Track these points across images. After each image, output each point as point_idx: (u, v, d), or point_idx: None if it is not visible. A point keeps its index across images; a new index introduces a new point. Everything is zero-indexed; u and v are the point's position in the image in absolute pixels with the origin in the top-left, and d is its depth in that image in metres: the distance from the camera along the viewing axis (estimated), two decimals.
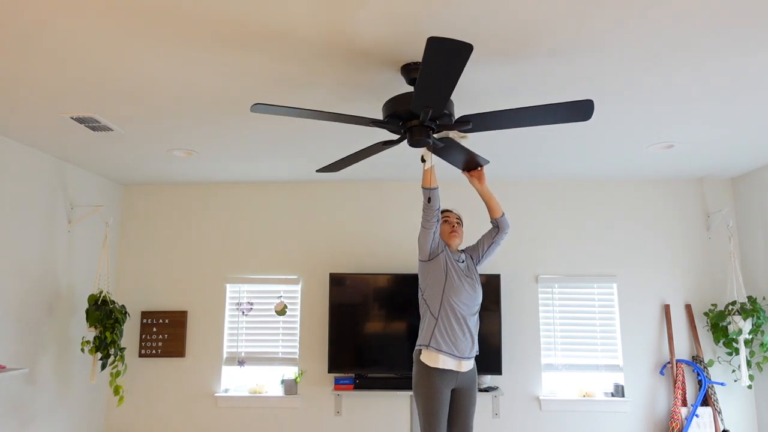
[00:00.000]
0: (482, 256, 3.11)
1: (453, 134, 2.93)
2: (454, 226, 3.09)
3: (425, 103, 2.13)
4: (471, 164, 2.93)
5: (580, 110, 2.26)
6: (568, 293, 4.57)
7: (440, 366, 2.86)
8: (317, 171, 2.93)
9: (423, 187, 2.86)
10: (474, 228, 4.58)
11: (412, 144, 2.39)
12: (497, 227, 3.10)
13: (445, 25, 2.09)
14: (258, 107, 2.04)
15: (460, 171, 3.02)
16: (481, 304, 4.27)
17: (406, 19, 2.05)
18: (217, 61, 2.41)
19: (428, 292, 2.96)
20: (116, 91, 2.74)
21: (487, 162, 2.94)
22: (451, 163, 2.87)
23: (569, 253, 4.60)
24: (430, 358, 2.88)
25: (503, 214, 3.07)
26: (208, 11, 2.00)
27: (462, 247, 3.22)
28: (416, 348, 2.97)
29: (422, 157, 2.89)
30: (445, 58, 1.82)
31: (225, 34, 2.17)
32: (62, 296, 4.02)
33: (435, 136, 2.51)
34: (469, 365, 2.95)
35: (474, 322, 2.97)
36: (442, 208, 3.24)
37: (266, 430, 4.48)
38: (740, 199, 4.48)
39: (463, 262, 3.05)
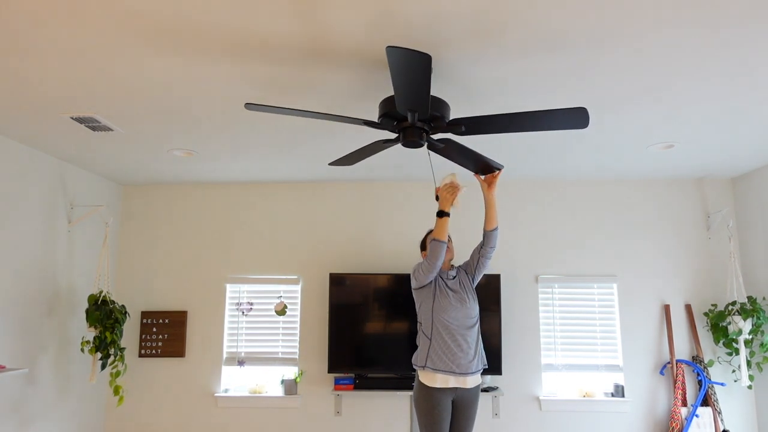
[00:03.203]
0: (475, 272, 3.11)
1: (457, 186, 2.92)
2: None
3: (407, 106, 2.14)
4: (485, 168, 2.90)
5: (575, 118, 2.26)
6: (568, 293, 4.56)
7: (440, 385, 2.85)
8: (330, 164, 2.92)
9: (434, 239, 2.84)
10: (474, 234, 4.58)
11: (406, 144, 2.40)
12: (483, 240, 3.07)
13: (444, 23, 2.08)
14: (250, 106, 2.05)
15: (472, 173, 2.99)
16: (481, 305, 4.27)
17: (401, 19, 2.05)
18: (216, 64, 2.41)
19: (420, 314, 3.00)
20: (116, 91, 2.74)
21: (502, 167, 2.91)
22: (463, 165, 2.85)
23: (569, 253, 4.59)
24: (429, 378, 2.88)
25: (496, 228, 3.03)
26: (206, 20, 1.99)
27: (459, 263, 3.22)
28: (414, 366, 2.98)
29: (436, 195, 2.87)
30: (407, 67, 1.83)
31: (222, 41, 2.17)
32: (62, 296, 4.02)
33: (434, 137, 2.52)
34: (475, 380, 2.92)
35: (473, 336, 2.94)
36: (428, 228, 3.26)
37: (266, 430, 4.48)
38: (740, 199, 4.48)
39: (454, 278, 3.03)
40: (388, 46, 1.71)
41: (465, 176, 4.45)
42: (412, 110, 2.17)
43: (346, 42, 2.23)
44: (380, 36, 2.17)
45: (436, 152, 2.62)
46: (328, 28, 2.11)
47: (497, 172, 2.94)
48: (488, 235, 3.03)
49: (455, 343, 2.87)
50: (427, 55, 1.76)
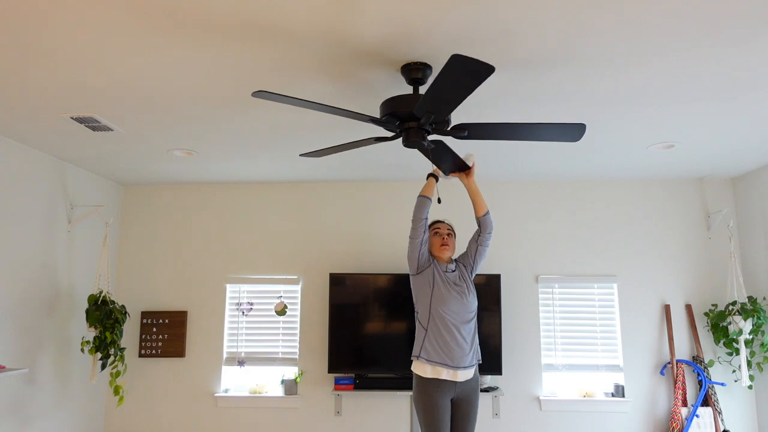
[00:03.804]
0: (474, 262, 3.08)
1: (467, 158, 2.99)
2: (444, 238, 3.06)
3: (430, 110, 2.17)
4: (462, 166, 2.94)
5: (572, 132, 2.41)
6: (568, 293, 4.56)
7: (432, 376, 2.85)
8: (300, 155, 2.93)
9: (421, 195, 2.89)
10: (468, 232, 4.58)
11: (407, 145, 2.44)
12: (479, 227, 3.06)
13: (444, 26, 2.09)
14: (260, 94, 2.05)
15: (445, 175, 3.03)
16: (481, 305, 4.27)
17: (405, 20, 2.05)
18: (217, 60, 2.41)
19: (418, 304, 2.97)
20: (116, 91, 2.74)
21: (469, 167, 2.96)
22: (443, 166, 2.88)
23: (569, 253, 4.59)
24: (422, 368, 2.87)
25: (488, 212, 3.02)
26: (207, 9, 2.00)
27: (456, 256, 3.21)
28: (411, 357, 2.99)
29: (439, 169, 2.94)
30: (463, 75, 1.87)
31: (225, 32, 2.17)
32: (62, 296, 4.02)
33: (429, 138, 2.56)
34: (467, 375, 2.90)
35: (469, 330, 2.93)
36: (433, 219, 3.24)
37: (266, 430, 4.48)
38: (740, 199, 4.48)
39: (453, 271, 3.01)
40: (455, 54, 1.76)
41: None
42: (431, 113, 2.20)
43: (353, 42, 2.23)
44: (389, 38, 2.17)
45: (422, 151, 2.64)
46: (337, 27, 2.11)
47: (473, 165, 2.97)
48: (481, 221, 3.03)
49: (451, 336, 2.86)
50: (492, 66, 1.82)
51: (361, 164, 4.17)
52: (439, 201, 2.87)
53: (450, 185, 4.69)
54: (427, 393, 2.84)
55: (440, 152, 2.71)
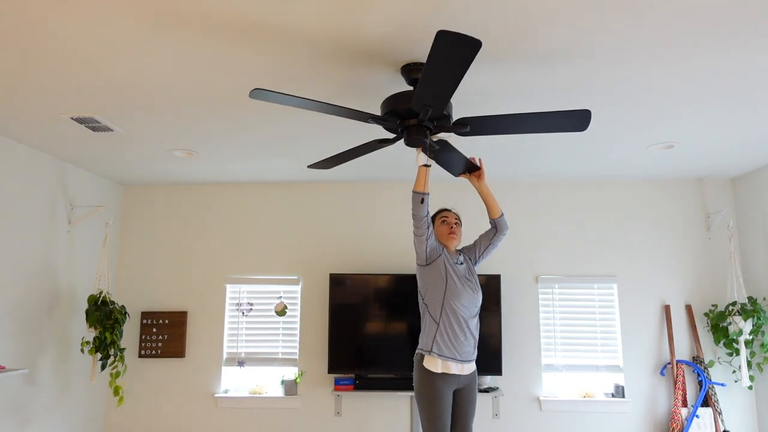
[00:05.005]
0: (479, 257, 3.08)
1: (443, 135, 2.89)
2: (452, 227, 3.04)
3: (426, 102, 2.14)
4: (470, 167, 2.92)
5: (577, 120, 2.30)
6: (568, 293, 4.56)
7: (442, 371, 2.85)
8: (308, 167, 2.92)
9: (414, 191, 2.77)
10: (474, 230, 4.58)
11: (409, 143, 2.40)
12: (495, 228, 3.06)
13: (444, 26, 2.09)
14: (257, 93, 2.04)
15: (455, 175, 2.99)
16: (481, 305, 4.27)
17: (407, 20, 2.05)
18: (217, 60, 2.41)
19: (429, 297, 2.92)
20: (116, 91, 2.74)
21: (480, 159, 2.94)
22: (450, 167, 2.86)
23: (569, 253, 4.59)
24: (433, 363, 2.86)
25: (502, 214, 3.03)
26: (208, 8, 2.00)
27: (460, 246, 3.19)
28: (417, 352, 2.94)
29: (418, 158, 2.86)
30: (452, 54, 1.82)
31: (226, 32, 2.17)
32: (62, 296, 4.02)
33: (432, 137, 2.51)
34: (471, 367, 2.93)
35: (475, 324, 2.95)
36: (440, 207, 3.23)
37: (266, 431, 4.47)
38: (740, 199, 4.48)
39: (462, 264, 3.01)
40: (441, 30, 1.69)
41: (447, 178, 4.45)
42: (429, 105, 2.16)
43: (354, 42, 2.23)
44: (390, 38, 2.17)
45: (425, 151, 2.60)
46: (339, 27, 2.11)
47: (481, 164, 2.95)
48: (497, 222, 3.03)
49: (461, 330, 2.86)
50: (478, 41, 1.73)
51: (360, 164, 4.17)
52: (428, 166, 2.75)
53: (453, 184, 4.69)
54: (435, 386, 2.84)
55: (446, 153, 2.65)
